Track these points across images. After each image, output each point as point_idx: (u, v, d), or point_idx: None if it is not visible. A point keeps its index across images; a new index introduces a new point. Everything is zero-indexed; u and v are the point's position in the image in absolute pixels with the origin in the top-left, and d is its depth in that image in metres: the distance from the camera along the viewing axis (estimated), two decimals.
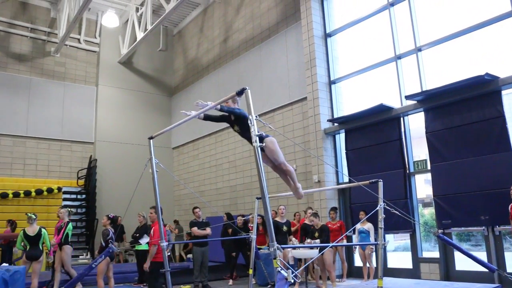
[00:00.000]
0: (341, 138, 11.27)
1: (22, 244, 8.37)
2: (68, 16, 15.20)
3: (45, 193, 14.66)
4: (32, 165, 15.68)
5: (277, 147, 5.05)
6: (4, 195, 13.80)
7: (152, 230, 7.61)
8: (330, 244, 7.59)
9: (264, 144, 4.73)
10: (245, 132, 5.01)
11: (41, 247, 8.45)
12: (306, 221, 9.63)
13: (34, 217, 8.54)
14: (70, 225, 9.15)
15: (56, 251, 9.49)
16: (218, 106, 4.81)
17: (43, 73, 16.40)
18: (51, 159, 16.05)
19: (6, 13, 16.02)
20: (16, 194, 14.08)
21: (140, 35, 15.85)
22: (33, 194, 14.43)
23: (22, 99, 15.72)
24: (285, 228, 9.02)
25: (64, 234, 8.96)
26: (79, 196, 15.93)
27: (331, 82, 11.51)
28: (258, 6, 14.03)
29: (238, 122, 5.08)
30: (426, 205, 10.73)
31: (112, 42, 17.74)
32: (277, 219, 9.09)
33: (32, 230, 8.36)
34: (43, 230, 8.53)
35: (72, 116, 16.56)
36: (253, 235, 7.44)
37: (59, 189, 15.10)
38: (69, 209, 9.64)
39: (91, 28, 17.74)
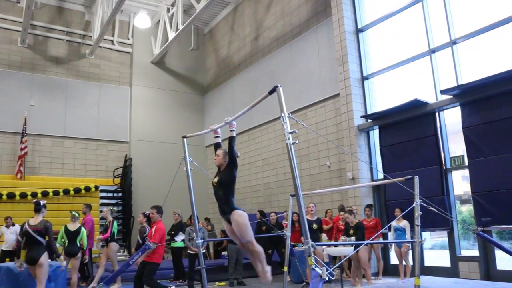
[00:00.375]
0: (375, 134, 11.11)
1: (62, 240, 8.62)
2: (101, 18, 15.54)
3: (83, 191, 15.04)
4: (70, 164, 16.11)
5: (246, 222, 4.52)
6: (45, 194, 14.23)
7: (154, 229, 7.56)
8: (365, 242, 7.51)
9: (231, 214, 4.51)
10: (219, 190, 4.74)
11: (78, 244, 8.67)
12: (340, 221, 9.61)
13: (78, 215, 8.80)
14: (115, 223, 9.49)
15: (91, 249, 9.81)
16: (234, 134, 5.12)
17: (79, 74, 16.81)
18: (88, 158, 16.46)
19: (43, 18, 16.52)
20: (56, 193, 14.51)
21: (171, 35, 16.05)
22: (72, 192, 14.82)
23: (59, 101, 16.17)
24: (315, 225, 8.98)
25: (111, 232, 9.31)
26: (115, 194, 16.26)
27: (363, 78, 11.36)
28: (288, 3, 13.98)
29: (223, 174, 4.88)
30: (463, 202, 10.45)
31: (144, 42, 18.02)
32: (307, 217, 9.04)
33: (73, 226, 8.61)
34: (82, 228, 8.78)
35: (108, 116, 16.93)
36: (288, 233, 7.45)
37: (96, 187, 15.46)
38: (111, 208, 9.92)
39: (124, 30, 18.07)
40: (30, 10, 14.24)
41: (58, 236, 8.80)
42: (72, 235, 8.55)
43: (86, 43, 17.13)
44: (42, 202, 7.04)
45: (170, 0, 16.82)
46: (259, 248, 4.57)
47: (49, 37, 16.55)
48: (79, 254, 8.68)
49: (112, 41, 17.66)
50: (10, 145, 15.09)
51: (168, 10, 16.98)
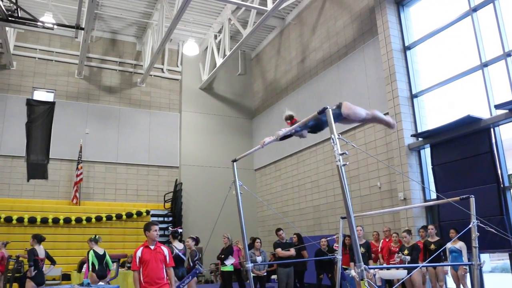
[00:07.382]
0: (426, 153, 10.78)
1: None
2: (152, 48, 16.17)
3: (134, 216, 15.39)
4: (123, 189, 16.57)
5: (353, 107, 5.00)
6: (99, 218, 14.68)
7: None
8: (420, 265, 7.24)
9: (341, 111, 4.86)
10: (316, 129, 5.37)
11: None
12: (392, 243, 9.32)
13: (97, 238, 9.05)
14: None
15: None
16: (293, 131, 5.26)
17: (130, 102, 17.43)
18: (140, 184, 16.88)
19: (98, 50, 17.40)
20: (108, 217, 14.92)
21: (219, 61, 16.38)
22: (124, 217, 15.20)
23: (112, 128, 16.79)
24: (362, 249, 8.74)
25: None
26: (166, 219, 16.51)
27: (413, 96, 11.11)
28: (333, 24, 13.98)
29: (315, 129, 5.41)
30: None
31: (193, 69, 18.49)
32: None
33: (100, 250, 8.80)
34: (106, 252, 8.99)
35: (158, 142, 17.37)
36: (339, 256, 7.29)
37: (148, 212, 15.78)
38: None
39: (173, 58, 18.63)
40: (87, 44, 15.03)
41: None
42: (101, 258, 8.71)
43: (137, 72, 17.81)
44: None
45: (217, 27, 17.22)
46: (373, 112, 5.22)
47: (103, 68, 17.35)
48: (108, 277, 8.82)
49: (162, 69, 18.24)
50: (66, 172, 15.74)
51: (216, 37, 17.39)
